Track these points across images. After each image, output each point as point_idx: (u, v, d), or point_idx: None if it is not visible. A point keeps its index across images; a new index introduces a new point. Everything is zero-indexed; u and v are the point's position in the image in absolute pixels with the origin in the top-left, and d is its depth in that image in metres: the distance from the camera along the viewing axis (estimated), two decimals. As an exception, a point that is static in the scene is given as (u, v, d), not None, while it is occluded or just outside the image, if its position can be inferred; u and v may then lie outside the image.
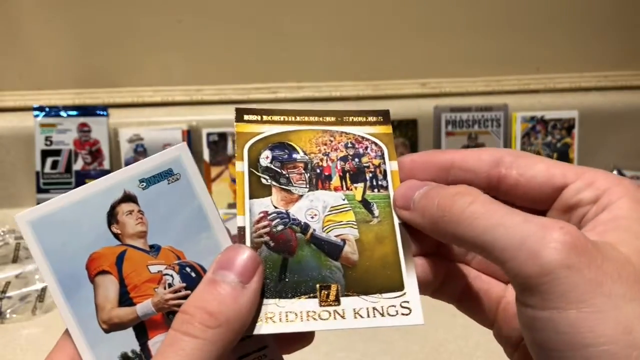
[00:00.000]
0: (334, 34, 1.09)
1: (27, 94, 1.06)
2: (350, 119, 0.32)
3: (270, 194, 0.30)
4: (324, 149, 0.32)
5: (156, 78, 1.09)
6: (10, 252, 0.89)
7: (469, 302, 0.33)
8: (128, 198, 0.28)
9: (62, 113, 1.03)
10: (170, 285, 0.28)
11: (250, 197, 0.30)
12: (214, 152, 1.06)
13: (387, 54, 1.11)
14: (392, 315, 0.28)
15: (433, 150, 0.31)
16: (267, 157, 0.31)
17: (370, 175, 0.31)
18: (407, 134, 1.09)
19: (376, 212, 0.30)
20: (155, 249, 0.29)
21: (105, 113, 1.04)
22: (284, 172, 0.31)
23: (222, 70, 1.09)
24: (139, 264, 0.28)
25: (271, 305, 0.28)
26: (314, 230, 0.30)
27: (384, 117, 0.33)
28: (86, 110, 1.04)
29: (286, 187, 0.31)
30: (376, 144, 0.32)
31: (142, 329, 0.28)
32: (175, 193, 0.29)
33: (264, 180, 0.31)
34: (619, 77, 1.16)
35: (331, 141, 0.32)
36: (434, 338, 0.74)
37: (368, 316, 0.28)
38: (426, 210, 0.27)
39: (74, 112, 1.04)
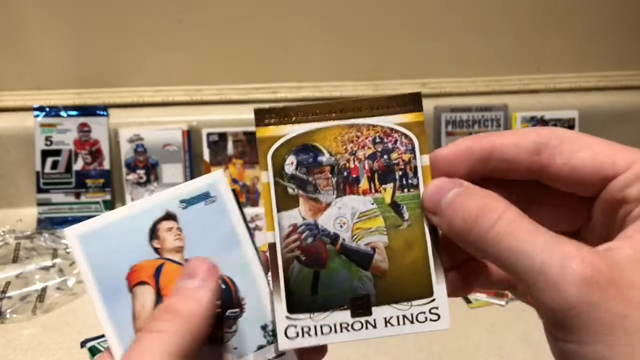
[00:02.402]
0: (334, 34, 1.09)
1: (27, 94, 1.06)
2: (378, 107, 0.30)
3: (297, 205, 0.30)
4: (351, 147, 0.30)
5: (156, 78, 1.09)
6: (10, 252, 0.89)
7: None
8: (169, 216, 0.31)
9: (62, 113, 1.03)
10: None
11: (278, 210, 0.30)
12: (214, 152, 1.06)
13: (387, 54, 1.11)
14: (421, 322, 0.29)
15: (469, 138, 0.28)
16: (292, 163, 0.30)
17: (400, 173, 0.30)
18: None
19: (406, 215, 0.30)
20: None
21: (105, 113, 1.04)
22: (310, 179, 0.30)
23: (222, 70, 1.09)
24: (175, 276, 0.30)
25: (305, 320, 0.29)
26: (344, 240, 0.30)
27: (414, 101, 0.30)
28: (86, 110, 1.04)
29: (313, 196, 0.30)
30: (406, 136, 0.30)
31: None
32: (210, 213, 0.31)
33: (290, 190, 0.30)
34: (619, 77, 1.16)
35: (358, 137, 0.30)
36: (433, 337, 0.73)
37: (398, 324, 0.29)
38: (452, 222, 0.26)
39: (74, 112, 1.04)
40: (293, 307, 0.29)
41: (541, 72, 1.15)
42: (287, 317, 0.29)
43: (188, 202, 0.31)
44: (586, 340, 0.21)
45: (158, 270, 0.30)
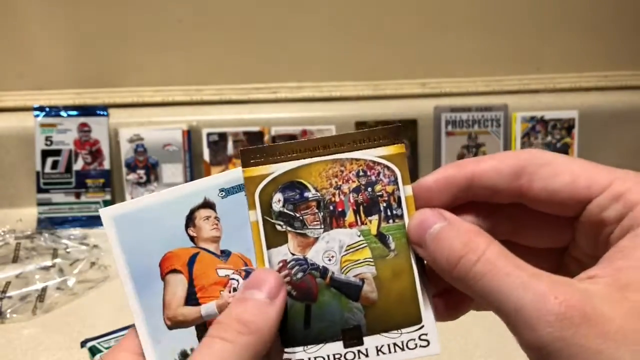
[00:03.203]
0: (334, 33, 1.09)
1: (27, 94, 1.07)
2: (359, 141, 0.31)
3: (286, 241, 0.30)
4: (335, 182, 0.31)
5: (156, 78, 1.09)
6: (10, 252, 0.89)
7: None
8: (207, 204, 0.30)
9: (63, 113, 1.03)
10: (235, 290, 0.30)
11: (268, 247, 0.30)
12: (214, 152, 1.06)
13: (387, 54, 1.11)
14: (412, 349, 0.30)
15: (450, 166, 0.29)
16: (279, 201, 0.31)
17: (385, 204, 0.31)
18: (407, 134, 1.09)
19: (392, 245, 0.30)
20: (225, 254, 0.30)
21: (105, 113, 1.04)
22: (297, 215, 0.31)
23: (222, 70, 1.09)
24: (209, 266, 0.30)
25: (299, 353, 0.29)
26: (333, 273, 0.30)
27: (395, 134, 0.31)
28: (86, 110, 1.04)
29: (301, 232, 0.31)
30: (388, 168, 0.31)
31: (203, 329, 0.29)
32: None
33: (278, 227, 0.30)
34: (619, 77, 1.16)
35: (342, 171, 0.31)
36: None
37: (389, 352, 0.30)
38: (436, 257, 0.27)
39: (74, 112, 1.04)
40: (287, 341, 0.29)
41: (541, 72, 1.15)
42: (282, 352, 0.29)
43: (227, 192, 0.30)
44: None
45: (192, 259, 0.30)
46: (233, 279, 0.30)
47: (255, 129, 1.06)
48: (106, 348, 0.69)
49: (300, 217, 0.31)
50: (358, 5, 1.07)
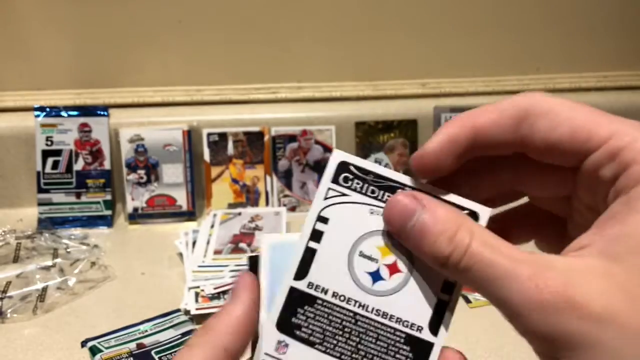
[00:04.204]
0: (334, 34, 1.09)
1: (28, 94, 1.07)
2: None
3: None
4: None
5: (156, 78, 1.09)
6: (11, 252, 0.90)
7: None
8: None
9: (63, 113, 1.03)
10: None
11: None
12: (214, 152, 1.06)
13: (387, 54, 1.11)
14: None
15: (450, 125, 0.27)
16: None
17: None
18: (407, 134, 1.09)
19: None
20: None
21: (105, 113, 1.04)
22: None
23: (222, 70, 1.09)
24: None
25: None
26: None
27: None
28: (87, 110, 1.04)
29: None
30: None
31: None
32: None
33: None
34: (619, 77, 1.16)
35: None
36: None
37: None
38: (422, 254, 0.26)
39: (75, 112, 1.04)
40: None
41: (541, 72, 1.15)
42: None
43: None
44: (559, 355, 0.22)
45: None
46: None
47: (256, 129, 1.07)
48: (106, 348, 0.69)
49: None
50: (358, 5, 1.07)
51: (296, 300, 0.28)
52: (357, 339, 0.27)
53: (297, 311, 0.28)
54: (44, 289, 0.81)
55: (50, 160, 1.03)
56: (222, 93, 1.10)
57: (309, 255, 0.28)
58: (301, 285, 0.28)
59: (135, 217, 1.04)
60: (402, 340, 0.27)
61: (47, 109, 1.03)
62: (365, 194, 0.28)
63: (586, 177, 0.25)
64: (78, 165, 1.03)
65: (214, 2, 1.04)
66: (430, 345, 0.27)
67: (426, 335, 0.27)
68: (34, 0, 1.02)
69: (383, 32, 1.09)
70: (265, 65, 1.09)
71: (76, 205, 1.03)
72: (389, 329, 0.27)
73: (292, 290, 0.28)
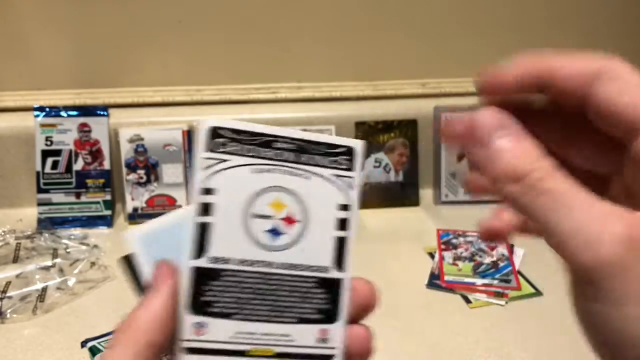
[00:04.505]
0: (334, 34, 1.09)
1: (27, 94, 1.07)
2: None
3: None
4: None
5: (156, 78, 1.09)
6: (10, 252, 0.90)
7: None
8: None
9: (63, 113, 1.03)
10: None
11: None
12: (214, 152, 1.06)
13: (387, 54, 1.11)
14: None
15: (526, 59, 0.27)
16: None
17: None
18: (407, 134, 1.09)
19: None
20: None
21: (105, 113, 1.04)
22: None
23: (222, 70, 1.09)
24: None
25: None
26: None
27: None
28: (86, 110, 1.04)
29: None
30: None
31: None
32: None
33: None
34: (619, 77, 1.16)
35: None
36: (433, 337, 0.74)
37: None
38: (496, 165, 0.25)
39: (74, 112, 1.04)
40: None
41: (541, 72, 1.15)
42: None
43: None
44: (619, 301, 0.21)
45: None
46: None
47: (255, 129, 1.06)
48: (106, 348, 0.69)
49: None
50: (358, 5, 1.07)
51: (201, 279, 0.27)
52: (273, 297, 0.28)
53: (204, 289, 0.27)
54: (44, 289, 0.81)
55: (49, 160, 1.03)
56: (222, 93, 1.10)
57: (202, 231, 0.27)
58: (202, 262, 0.27)
59: (135, 217, 1.04)
60: (314, 285, 0.28)
61: (47, 109, 1.03)
62: (244, 155, 0.28)
63: (634, 156, 0.24)
64: (78, 165, 1.03)
65: (214, 2, 1.04)
66: (339, 281, 0.28)
67: (334, 273, 0.28)
68: (33, 0, 1.01)
69: (383, 32, 1.09)
70: (265, 65, 1.09)
71: (76, 205, 1.03)
72: (299, 279, 0.28)
73: (194, 270, 0.27)
